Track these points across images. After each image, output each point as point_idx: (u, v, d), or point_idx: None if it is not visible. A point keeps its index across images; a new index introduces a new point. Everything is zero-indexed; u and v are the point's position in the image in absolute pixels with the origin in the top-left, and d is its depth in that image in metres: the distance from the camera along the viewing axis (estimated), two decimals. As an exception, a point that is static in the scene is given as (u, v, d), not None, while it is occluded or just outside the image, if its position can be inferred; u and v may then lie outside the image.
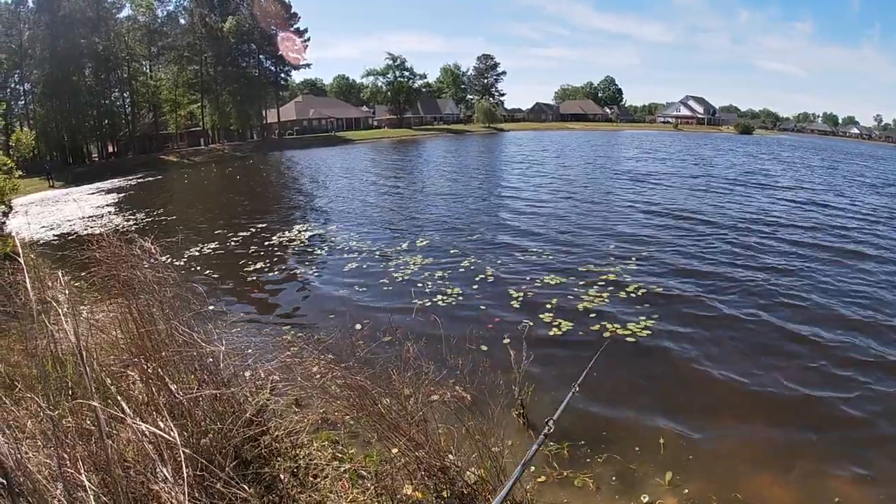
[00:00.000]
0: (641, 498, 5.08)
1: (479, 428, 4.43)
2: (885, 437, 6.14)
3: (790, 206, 21.27)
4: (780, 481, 5.43)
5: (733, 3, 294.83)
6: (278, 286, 12.00)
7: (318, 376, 4.43)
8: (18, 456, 2.87)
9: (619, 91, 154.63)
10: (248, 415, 4.47)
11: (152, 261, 5.01)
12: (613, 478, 5.41)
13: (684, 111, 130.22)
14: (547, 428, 3.59)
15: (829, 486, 5.35)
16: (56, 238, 18.85)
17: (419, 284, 11.21)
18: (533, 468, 5.51)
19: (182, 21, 67.32)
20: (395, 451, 4.36)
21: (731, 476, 5.45)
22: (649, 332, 8.77)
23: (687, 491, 5.19)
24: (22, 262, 3.29)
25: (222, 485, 3.62)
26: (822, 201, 22.69)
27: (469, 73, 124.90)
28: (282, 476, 4.44)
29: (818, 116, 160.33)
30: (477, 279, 11.56)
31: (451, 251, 14.02)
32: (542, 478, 5.40)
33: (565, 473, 5.45)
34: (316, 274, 12.78)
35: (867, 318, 9.44)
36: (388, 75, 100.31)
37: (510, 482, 3.04)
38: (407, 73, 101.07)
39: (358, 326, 8.70)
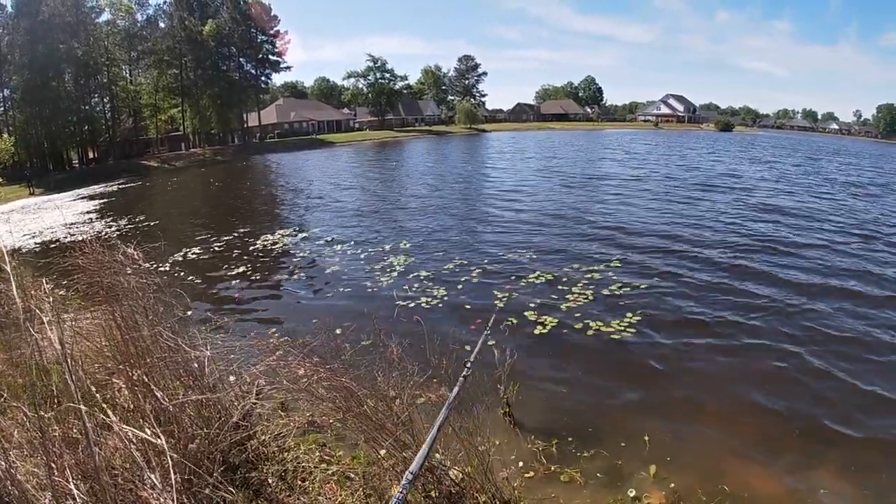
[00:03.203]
0: (628, 492, 5.15)
1: (466, 427, 4.48)
2: (869, 430, 6.26)
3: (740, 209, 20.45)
4: (765, 473, 5.52)
5: (712, 3, 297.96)
6: (262, 290, 11.95)
7: (304, 379, 4.45)
8: (6, 465, 2.88)
9: (600, 90, 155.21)
10: (234, 419, 4.50)
11: (135, 267, 5.01)
12: (600, 473, 5.48)
13: (665, 109, 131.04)
14: (466, 370, 3.89)
15: (814, 477, 5.46)
16: (38, 245, 18.60)
17: (404, 287, 11.24)
18: (521, 464, 5.59)
19: (162, 25, 66.59)
20: (382, 452, 4.38)
21: (716, 469, 5.54)
22: (633, 329, 8.88)
23: (673, 485, 5.27)
24: (10, 270, 3.29)
25: (210, 490, 3.65)
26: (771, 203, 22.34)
27: (450, 75, 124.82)
28: (270, 480, 4.46)
29: (798, 113, 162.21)
30: (462, 279, 11.62)
31: (435, 253, 14.07)
32: (531, 473, 5.46)
33: (553, 468, 5.52)
34: (300, 277, 12.76)
35: (851, 314, 9.64)
36: (369, 77, 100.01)
37: (435, 429, 3.20)
38: (388, 75, 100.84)
39: (339, 330, 8.69)
